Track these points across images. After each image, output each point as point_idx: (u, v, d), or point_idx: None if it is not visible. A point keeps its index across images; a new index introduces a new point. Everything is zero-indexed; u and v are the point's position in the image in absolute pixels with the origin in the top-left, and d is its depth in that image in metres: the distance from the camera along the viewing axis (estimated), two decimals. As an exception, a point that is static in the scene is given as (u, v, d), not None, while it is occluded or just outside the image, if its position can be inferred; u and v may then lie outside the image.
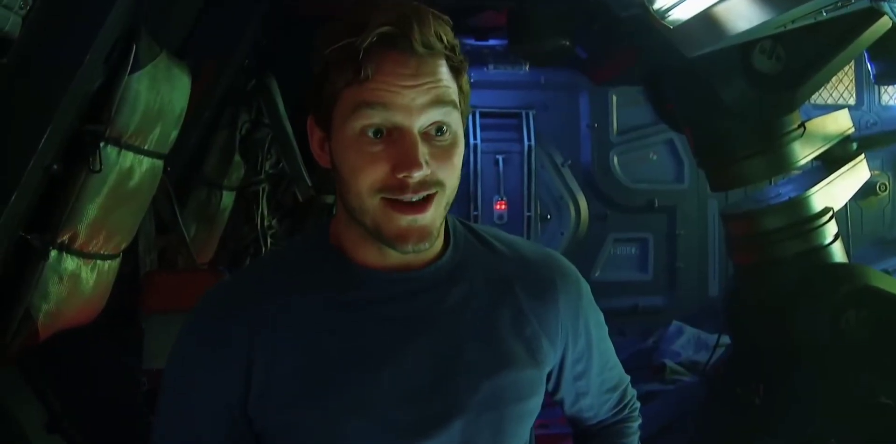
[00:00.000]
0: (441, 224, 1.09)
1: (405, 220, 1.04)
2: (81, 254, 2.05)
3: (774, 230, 3.25)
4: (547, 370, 1.23)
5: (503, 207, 5.39)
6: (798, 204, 3.26)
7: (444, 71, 1.05)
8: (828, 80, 3.39)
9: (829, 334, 3.09)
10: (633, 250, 5.65)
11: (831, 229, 3.26)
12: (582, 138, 5.58)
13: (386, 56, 1.02)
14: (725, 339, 3.79)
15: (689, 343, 4.69)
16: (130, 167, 2.10)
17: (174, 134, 2.31)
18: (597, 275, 5.54)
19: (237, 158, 2.98)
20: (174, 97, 2.21)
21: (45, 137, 1.78)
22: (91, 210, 2.01)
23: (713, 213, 5.45)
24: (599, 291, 4.89)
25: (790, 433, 3.11)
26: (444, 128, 1.05)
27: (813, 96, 5.13)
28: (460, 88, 1.09)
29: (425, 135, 1.04)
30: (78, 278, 2.06)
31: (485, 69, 5.42)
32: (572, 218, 5.47)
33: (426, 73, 1.03)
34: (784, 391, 3.17)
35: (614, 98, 5.50)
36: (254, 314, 1.11)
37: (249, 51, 2.81)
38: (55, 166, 1.89)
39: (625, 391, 1.40)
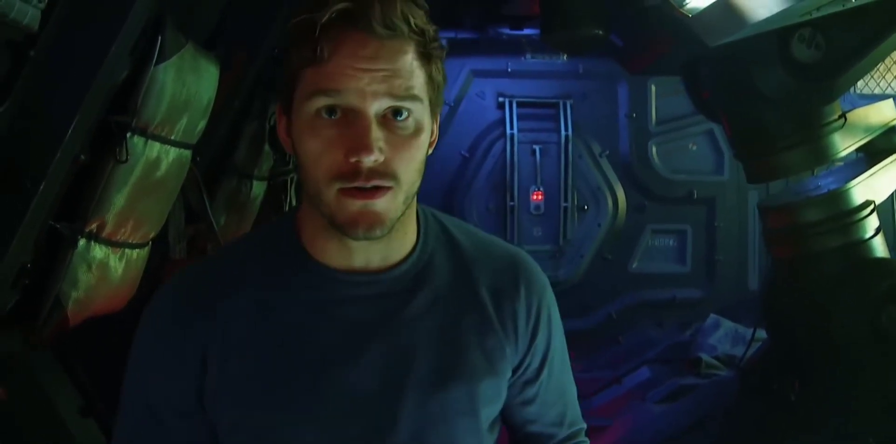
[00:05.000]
0: (397, 217, 1.05)
1: (356, 205, 1.01)
2: (110, 243, 2.07)
3: (813, 223, 3.18)
4: (507, 376, 1.18)
5: (540, 197, 5.35)
6: (838, 197, 3.18)
7: (407, 58, 1.00)
8: (871, 69, 3.29)
9: (869, 330, 3.02)
10: (672, 242, 5.58)
11: (873, 222, 3.18)
12: (620, 128, 5.52)
13: (345, 35, 0.98)
14: (762, 333, 3.73)
15: (725, 337, 4.62)
16: (157, 157, 2.12)
17: (202, 124, 2.33)
18: (634, 266, 5.49)
19: (267, 148, 3.00)
20: (201, 88, 2.23)
21: (73, 127, 1.80)
22: (118, 200, 2.03)
23: (753, 205, 5.35)
24: (637, 282, 4.86)
25: (826, 431, 3.05)
26: (405, 112, 1.00)
27: (859, 85, 5.00)
28: (430, 76, 1.03)
29: (383, 119, 1.00)
30: (106, 267, 2.09)
31: (522, 58, 5.38)
32: (610, 209, 5.41)
33: (385, 57, 0.98)
34: (820, 388, 3.11)
35: (653, 88, 5.42)
36: (210, 310, 1.09)
37: (279, 41, 2.82)
38: (83, 156, 1.91)
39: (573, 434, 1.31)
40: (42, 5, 1.48)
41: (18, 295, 1.91)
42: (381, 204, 1.01)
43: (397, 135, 1.01)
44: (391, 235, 1.07)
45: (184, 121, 2.19)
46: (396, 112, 1.01)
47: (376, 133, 0.98)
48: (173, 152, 2.20)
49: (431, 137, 1.09)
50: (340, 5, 0.97)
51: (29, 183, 1.79)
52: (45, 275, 1.98)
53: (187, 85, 2.14)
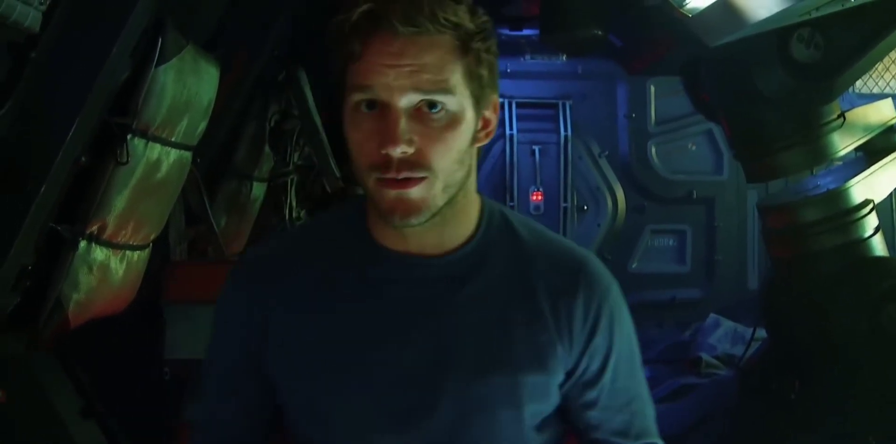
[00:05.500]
0: (438, 205, 1.08)
1: (391, 194, 1.05)
2: (110, 244, 2.08)
3: (812, 223, 3.19)
4: (558, 376, 1.18)
5: (539, 198, 5.36)
6: (837, 196, 3.19)
7: (437, 53, 1.03)
8: (869, 69, 3.30)
9: (868, 329, 3.02)
10: (671, 242, 5.59)
11: (872, 221, 3.19)
12: (619, 129, 5.53)
13: (373, 34, 1.03)
14: (762, 333, 3.73)
15: (725, 337, 4.63)
16: (158, 159, 2.12)
17: (202, 126, 2.33)
18: (634, 267, 5.50)
19: (267, 149, 3.00)
20: (201, 89, 2.23)
21: (73, 129, 1.81)
22: (119, 201, 2.03)
23: (753, 204, 5.36)
24: (636, 283, 4.86)
25: (826, 430, 3.05)
26: (438, 105, 1.04)
27: (858, 85, 5.01)
28: (469, 69, 1.06)
29: (417, 111, 1.04)
30: (107, 269, 2.10)
31: (521, 59, 5.38)
32: (609, 209, 5.42)
33: (412, 54, 1.02)
34: (820, 387, 3.11)
35: (652, 88, 5.43)
36: (274, 279, 1.18)
37: (279, 42, 2.82)
38: (83, 158, 1.92)
39: None
40: (43, 7, 1.49)
41: (19, 297, 1.91)
42: (416, 192, 1.05)
43: (431, 127, 1.04)
44: (443, 222, 1.11)
45: (184, 122, 2.20)
46: (431, 105, 1.04)
47: (405, 126, 1.02)
48: (174, 154, 2.20)
49: (488, 127, 1.13)
50: (364, 7, 1.02)
51: (30, 185, 1.79)
52: (45, 277, 1.98)
53: (188, 86, 2.15)
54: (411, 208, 1.05)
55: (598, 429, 1.23)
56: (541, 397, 1.17)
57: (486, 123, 1.13)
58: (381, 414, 1.12)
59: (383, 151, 1.02)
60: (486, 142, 1.14)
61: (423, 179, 1.04)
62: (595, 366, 1.19)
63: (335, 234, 1.21)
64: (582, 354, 1.18)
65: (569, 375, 1.18)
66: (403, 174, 1.03)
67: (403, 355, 1.12)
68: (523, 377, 1.14)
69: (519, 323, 1.15)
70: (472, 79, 1.06)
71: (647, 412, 1.26)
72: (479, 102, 1.09)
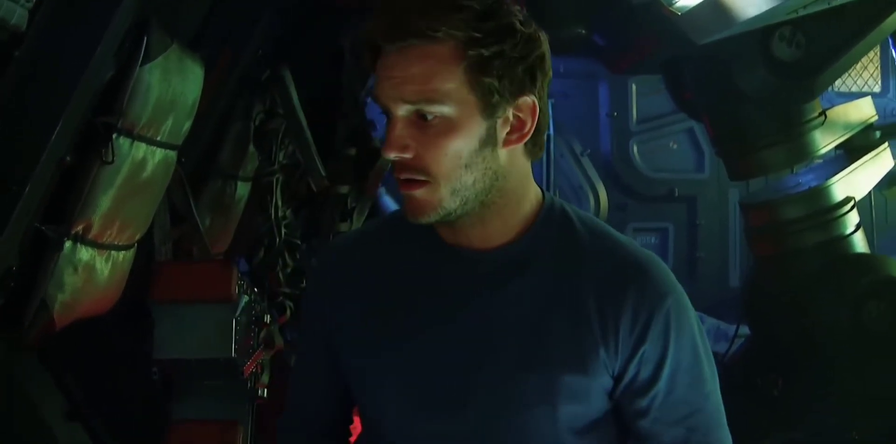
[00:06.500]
0: (452, 207, 1.11)
1: (404, 193, 1.12)
2: (96, 245, 2.06)
3: (794, 220, 3.23)
4: (601, 380, 1.15)
5: (521, 196, 5.36)
6: (818, 194, 3.24)
7: (426, 63, 1.05)
8: (849, 67, 3.35)
9: (850, 325, 3.07)
10: (653, 240, 5.61)
11: (853, 218, 3.23)
12: (601, 127, 5.55)
13: (380, 50, 1.09)
14: (745, 330, 3.76)
15: (708, 334, 4.63)
16: (143, 158, 2.11)
17: (187, 125, 2.32)
18: (616, 265, 5.50)
19: (252, 148, 2.98)
20: (186, 88, 2.22)
21: (58, 128, 1.80)
22: (104, 201, 2.02)
23: (734, 202, 5.40)
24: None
25: (809, 426, 3.09)
26: (429, 113, 1.07)
27: (837, 83, 5.06)
28: (468, 77, 1.05)
29: (415, 119, 1.08)
30: (93, 269, 2.08)
31: (503, 58, 5.37)
32: (591, 208, 5.43)
33: (398, 66, 1.06)
34: (803, 383, 3.15)
35: (634, 87, 5.45)
36: (339, 268, 1.29)
37: (264, 40, 2.81)
38: (68, 158, 1.90)
39: None
40: (30, 5, 1.47)
41: (4, 298, 1.89)
42: (419, 194, 1.10)
43: (426, 134, 1.08)
44: (482, 221, 1.15)
45: (169, 122, 2.19)
46: (421, 115, 1.08)
47: (400, 132, 1.08)
48: (159, 153, 2.19)
49: (523, 129, 1.12)
50: (366, 25, 1.09)
51: (14, 185, 1.78)
52: (30, 278, 1.96)
53: (173, 85, 2.13)
54: (417, 208, 1.11)
55: (649, 441, 1.19)
56: (579, 399, 1.15)
57: (521, 124, 1.12)
58: (419, 402, 1.17)
59: (384, 156, 1.10)
60: (519, 144, 1.13)
61: (425, 182, 1.09)
62: (646, 374, 1.15)
63: (406, 227, 1.21)
64: (629, 360, 1.15)
65: (617, 380, 1.16)
66: (403, 175, 1.10)
67: (443, 345, 1.16)
68: (560, 377, 1.13)
69: (562, 323, 1.14)
70: (476, 85, 1.06)
71: (714, 430, 1.20)
72: (489, 108, 1.08)
